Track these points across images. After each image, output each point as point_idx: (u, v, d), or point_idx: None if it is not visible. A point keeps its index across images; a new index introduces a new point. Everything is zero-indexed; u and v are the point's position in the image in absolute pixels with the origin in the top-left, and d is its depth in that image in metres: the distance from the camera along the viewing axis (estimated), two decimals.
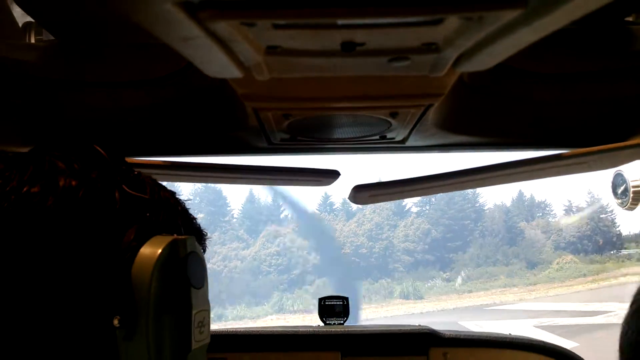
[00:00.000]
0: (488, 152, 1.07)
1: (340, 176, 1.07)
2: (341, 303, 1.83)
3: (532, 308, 20.93)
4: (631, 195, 0.98)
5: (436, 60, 0.56)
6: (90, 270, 0.44)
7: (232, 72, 0.57)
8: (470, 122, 0.91)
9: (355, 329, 1.70)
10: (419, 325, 1.72)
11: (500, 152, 1.05)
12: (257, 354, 1.66)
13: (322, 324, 1.84)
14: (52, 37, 0.77)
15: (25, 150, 0.48)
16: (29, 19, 0.77)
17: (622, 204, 1.01)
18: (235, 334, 1.68)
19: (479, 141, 1.00)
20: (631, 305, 0.69)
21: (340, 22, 0.46)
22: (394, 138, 0.92)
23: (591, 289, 25.11)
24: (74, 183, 0.44)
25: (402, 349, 1.65)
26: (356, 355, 1.65)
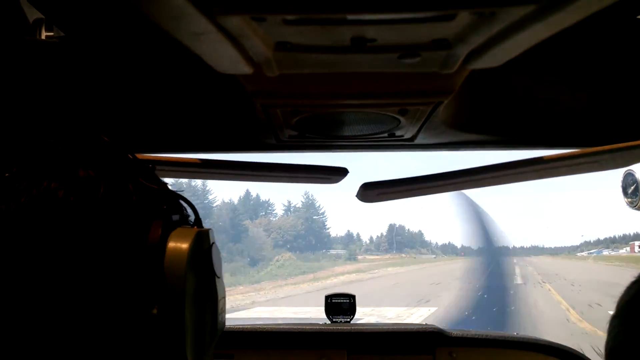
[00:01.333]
0: (498, 151, 1.06)
1: (348, 174, 1.07)
2: (348, 301, 1.83)
3: (274, 315, 17.44)
4: None
5: (447, 56, 0.56)
6: (124, 265, 0.45)
7: (241, 68, 0.57)
8: (480, 120, 0.90)
9: (362, 327, 1.69)
10: (425, 324, 1.72)
11: (510, 150, 1.04)
12: (264, 352, 1.66)
13: (328, 321, 1.84)
14: (62, 34, 0.77)
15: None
16: (39, 15, 0.77)
17: (632, 204, 1.00)
18: (243, 330, 1.68)
19: (488, 139, 0.99)
20: (617, 306, 0.68)
21: (350, 17, 0.46)
22: (403, 135, 0.91)
23: (318, 289, 24.53)
24: (92, 175, 0.45)
25: (408, 348, 1.65)
26: (362, 353, 1.65)
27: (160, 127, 0.94)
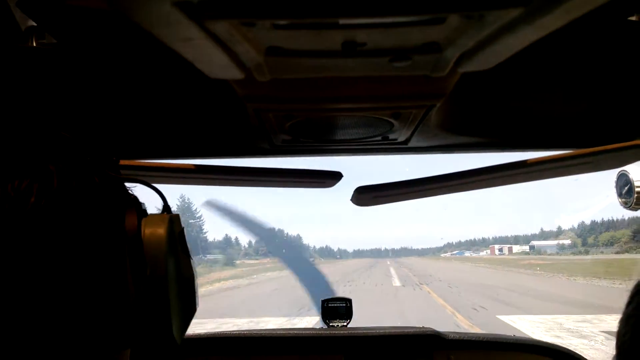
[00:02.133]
0: (492, 153, 1.06)
1: (342, 178, 1.07)
2: (344, 305, 1.83)
3: None
4: (636, 195, 0.97)
5: (438, 60, 0.56)
6: (106, 252, 0.46)
7: (233, 73, 0.57)
8: (473, 123, 0.90)
9: (359, 331, 1.69)
10: (422, 326, 1.72)
11: (504, 153, 1.04)
12: (261, 357, 1.66)
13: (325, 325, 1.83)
14: (54, 41, 0.77)
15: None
16: (32, 22, 0.77)
17: (625, 204, 1.00)
18: (239, 336, 1.68)
19: (482, 142, 0.99)
20: (627, 307, 0.68)
21: (340, 21, 0.46)
22: (396, 139, 0.91)
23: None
24: (62, 169, 0.45)
25: (406, 351, 1.64)
26: (360, 358, 1.65)
27: (153, 133, 0.94)
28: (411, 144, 0.95)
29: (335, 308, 1.82)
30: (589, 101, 0.82)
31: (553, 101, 0.82)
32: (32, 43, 0.79)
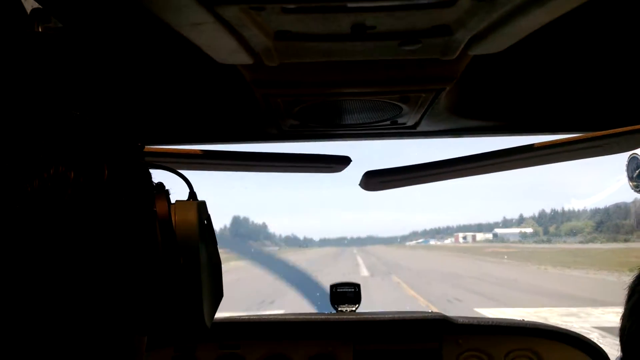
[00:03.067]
0: (501, 137, 1.06)
1: (351, 162, 1.07)
2: (353, 290, 1.84)
3: None
4: None
5: (448, 43, 0.55)
6: (141, 237, 0.47)
7: (241, 58, 0.56)
8: (483, 106, 0.90)
9: (367, 316, 1.70)
10: (432, 311, 1.72)
11: (513, 136, 1.04)
12: (270, 342, 1.67)
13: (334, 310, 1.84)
14: (60, 25, 0.77)
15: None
16: (37, 5, 0.77)
17: (636, 187, 0.99)
18: (249, 321, 1.69)
19: (492, 125, 0.98)
20: (627, 301, 0.68)
21: (349, 4, 0.45)
22: (405, 123, 0.91)
23: None
24: (94, 157, 0.46)
25: (415, 336, 1.65)
26: (369, 342, 1.66)
27: (162, 119, 0.94)
28: (420, 128, 0.94)
29: (344, 293, 1.83)
30: (600, 84, 0.81)
31: (564, 84, 0.81)
32: (38, 27, 0.79)
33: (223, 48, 0.54)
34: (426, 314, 1.69)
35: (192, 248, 0.49)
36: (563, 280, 21.32)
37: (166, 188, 0.53)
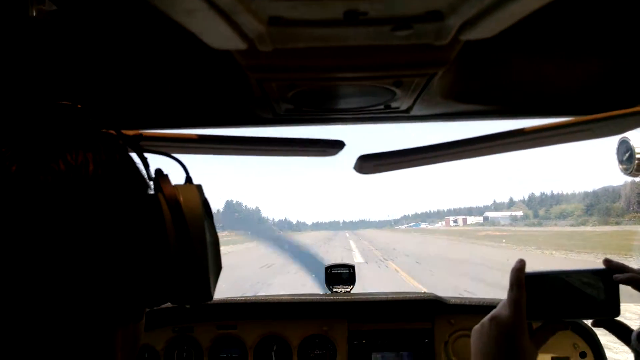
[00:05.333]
0: (493, 121, 1.07)
1: (345, 146, 1.07)
2: (347, 271, 1.86)
3: None
4: (636, 162, 0.98)
5: (440, 28, 0.56)
6: (149, 218, 0.52)
7: (235, 43, 0.57)
8: (475, 91, 0.91)
9: (362, 297, 1.73)
10: (424, 292, 1.75)
11: (505, 120, 1.05)
12: (266, 322, 1.70)
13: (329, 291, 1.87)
14: (54, 7, 0.76)
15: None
16: None
17: (626, 170, 1.01)
18: (245, 302, 1.72)
19: (484, 110, 0.99)
20: None
21: None
22: (398, 107, 0.92)
23: None
24: (104, 146, 0.50)
25: (408, 316, 1.69)
26: (363, 322, 1.69)
27: (156, 103, 0.94)
28: (413, 113, 0.95)
29: (339, 274, 1.86)
30: (591, 68, 0.81)
31: (554, 68, 0.82)
32: (32, 9, 0.79)
33: (217, 34, 0.54)
34: (419, 295, 1.72)
35: (199, 227, 0.54)
36: (573, 265, 20.49)
37: (164, 172, 0.56)
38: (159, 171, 0.55)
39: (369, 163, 1.09)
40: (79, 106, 0.53)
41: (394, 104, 0.89)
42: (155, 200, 0.53)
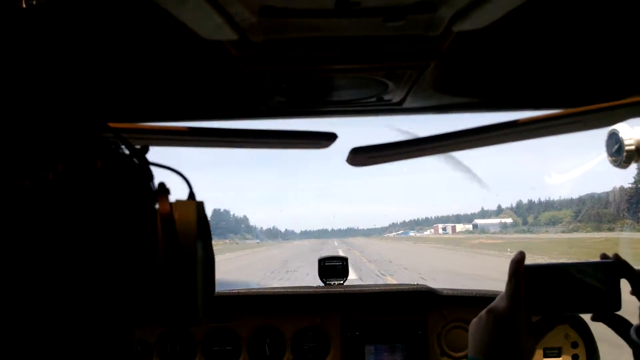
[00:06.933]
0: (485, 114, 1.07)
1: (337, 139, 1.07)
2: (341, 264, 1.87)
3: None
4: (624, 153, 0.99)
5: (432, 19, 0.56)
6: (142, 234, 0.50)
7: (226, 34, 0.57)
8: (467, 83, 0.91)
9: (355, 289, 1.73)
10: (417, 284, 1.77)
11: (497, 113, 1.05)
12: (260, 315, 1.71)
13: (322, 284, 1.87)
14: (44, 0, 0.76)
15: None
16: None
17: (615, 162, 1.02)
18: (238, 295, 1.72)
19: (476, 102, 1.00)
20: None
21: None
22: (391, 100, 0.92)
23: None
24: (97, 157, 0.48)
25: (401, 308, 1.70)
26: (356, 314, 1.70)
27: (147, 95, 0.93)
28: (406, 105, 0.95)
29: (332, 267, 1.86)
30: (581, 60, 0.82)
31: (546, 61, 0.82)
32: (21, 1, 0.78)
33: (208, 24, 0.54)
34: (412, 286, 1.73)
35: (190, 245, 0.52)
36: None
37: (167, 187, 0.55)
38: (161, 185, 0.54)
39: (362, 155, 1.09)
40: (78, 106, 0.52)
41: (386, 97, 0.89)
42: (151, 215, 0.51)
